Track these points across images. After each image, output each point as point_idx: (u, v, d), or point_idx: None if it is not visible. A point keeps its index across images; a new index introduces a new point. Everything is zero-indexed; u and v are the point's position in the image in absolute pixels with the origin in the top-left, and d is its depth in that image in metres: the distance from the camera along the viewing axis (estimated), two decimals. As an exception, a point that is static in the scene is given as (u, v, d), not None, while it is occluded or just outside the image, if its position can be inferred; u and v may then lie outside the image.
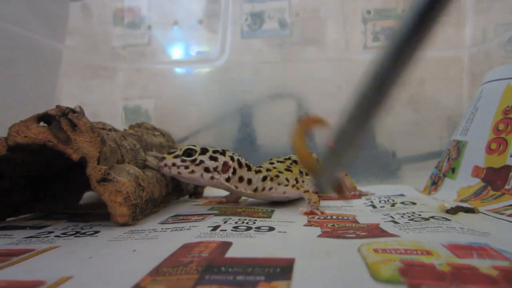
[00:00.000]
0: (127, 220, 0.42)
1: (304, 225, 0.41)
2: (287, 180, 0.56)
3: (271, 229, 0.39)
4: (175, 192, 0.58)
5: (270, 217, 0.46)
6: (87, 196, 0.64)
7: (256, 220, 0.44)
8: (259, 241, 0.34)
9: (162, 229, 0.41)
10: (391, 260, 0.27)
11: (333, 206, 0.53)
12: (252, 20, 0.93)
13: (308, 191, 0.54)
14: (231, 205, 0.57)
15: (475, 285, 0.23)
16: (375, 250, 0.30)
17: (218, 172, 0.51)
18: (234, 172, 0.52)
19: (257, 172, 0.54)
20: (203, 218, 0.46)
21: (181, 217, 0.47)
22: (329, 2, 0.91)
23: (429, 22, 0.19)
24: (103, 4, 0.98)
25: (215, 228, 0.40)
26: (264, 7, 0.93)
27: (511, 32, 0.73)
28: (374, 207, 0.52)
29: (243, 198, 0.60)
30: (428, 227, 0.37)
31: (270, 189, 0.54)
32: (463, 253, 0.28)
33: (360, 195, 0.62)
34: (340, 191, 0.30)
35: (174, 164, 0.49)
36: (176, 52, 0.99)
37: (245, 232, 0.38)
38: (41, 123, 0.42)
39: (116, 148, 0.46)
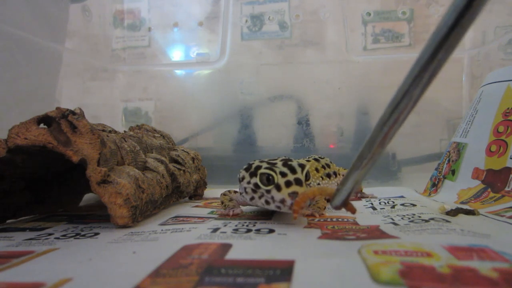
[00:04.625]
0: (127, 221, 0.42)
1: (304, 227, 0.41)
2: None
3: (271, 231, 0.39)
4: (175, 194, 0.58)
5: (270, 219, 0.46)
6: (87, 198, 0.64)
7: (256, 222, 0.44)
8: (259, 243, 0.34)
9: (162, 230, 0.41)
10: (391, 262, 0.27)
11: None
12: (252, 22, 0.93)
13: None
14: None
15: (475, 287, 0.23)
16: (375, 252, 0.30)
17: None
18: None
19: None
20: (203, 221, 0.46)
21: (181, 219, 0.47)
22: (329, 4, 0.91)
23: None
24: (103, 6, 0.98)
25: (215, 230, 0.40)
26: (264, 9, 0.93)
27: (511, 34, 0.73)
28: (374, 209, 0.52)
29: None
30: (428, 229, 0.37)
31: None
32: (463, 255, 0.28)
33: (360, 197, 0.62)
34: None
35: None
36: (176, 54, 0.99)
37: (245, 234, 0.37)
38: (41, 125, 0.42)
39: (116, 150, 0.46)
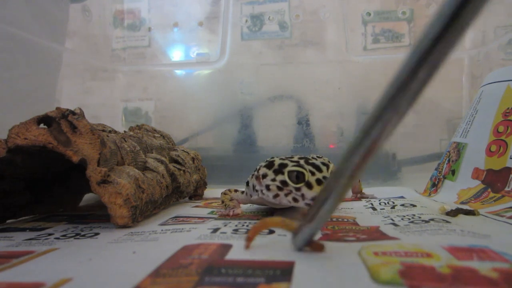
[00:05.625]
0: (127, 222, 0.42)
1: (304, 227, 0.41)
2: None
3: (271, 232, 0.39)
4: (175, 194, 0.58)
5: (270, 219, 0.46)
6: (87, 198, 0.64)
7: (256, 223, 0.44)
8: (259, 244, 0.34)
9: (162, 230, 0.41)
10: (392, 263, 0.27)
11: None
12: (252, 22, 0.93)
13: None
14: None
15: (475, 287, 0.23)
16: (375, 253, 0.30)
17: None
18: None
19: None
20: (203, 221, 0.46)
21: (181, 219, 0.47)
22: (329, 4, 0.91)
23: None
24: (103, 6, 0.98)
25: (215, 230, 0.40)
26: (264, 9, 0.93)
27: (511, 34, 0.73)
28: (374, 209, 0.52)
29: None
30: (428, 230, 0.37)
31: None
32: (463, 255, 0.28)
33: (360, 198, 0.62)
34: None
35: None
36: (176, 54, 0.99)
37: (245, 235, 0.37)
38: (41, 125, 0.42)
39: (116, 150, 0.46)
